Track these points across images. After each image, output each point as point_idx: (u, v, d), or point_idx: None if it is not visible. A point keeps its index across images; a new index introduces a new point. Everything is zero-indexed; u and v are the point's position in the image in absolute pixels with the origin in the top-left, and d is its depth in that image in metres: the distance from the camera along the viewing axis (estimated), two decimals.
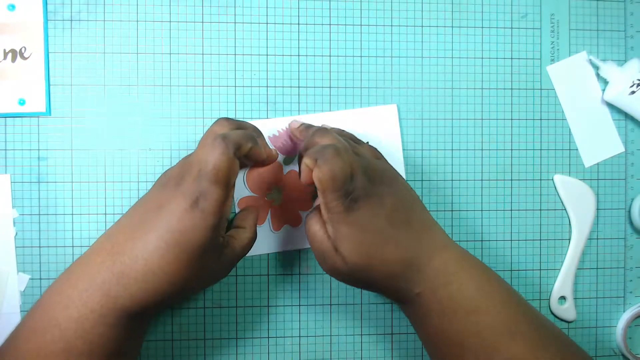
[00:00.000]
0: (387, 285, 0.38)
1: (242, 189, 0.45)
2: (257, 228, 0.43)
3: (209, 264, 0.36)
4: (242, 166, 0.42)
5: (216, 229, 0.35)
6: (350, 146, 0.38)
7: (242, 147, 0.36)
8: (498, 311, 0.36)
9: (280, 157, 0.45)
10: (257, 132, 0.40)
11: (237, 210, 0.44)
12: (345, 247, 0.36)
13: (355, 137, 0.43)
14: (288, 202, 0.45)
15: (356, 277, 0.37)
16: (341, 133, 0.43)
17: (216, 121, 0.39)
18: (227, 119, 0.39)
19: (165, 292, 0.35)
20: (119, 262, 0.35)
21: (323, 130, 0.38)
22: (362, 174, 0.36)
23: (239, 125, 0.39)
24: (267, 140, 0.45)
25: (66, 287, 0.35)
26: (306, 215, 0.39)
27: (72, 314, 0.34)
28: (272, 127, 0.45)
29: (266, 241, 0.45)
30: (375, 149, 0.43)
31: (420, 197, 0.46)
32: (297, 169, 0.45)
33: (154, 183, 0.39)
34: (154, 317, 0.40)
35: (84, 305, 0.34)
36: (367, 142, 0.44)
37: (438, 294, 0.37)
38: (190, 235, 0.34)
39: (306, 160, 0.35)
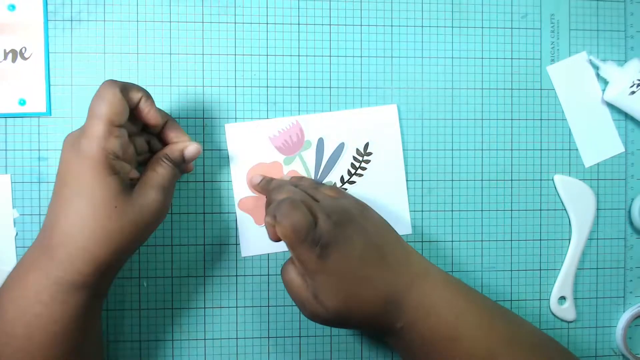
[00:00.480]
0: (370, 324, 0.38)
1: (243, 190, 0.45)
2: (258, 228, 0.43)
3: (119, 209, 0.34)
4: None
5: (107, 166, 0.34)
6: (309, 193, 0.39)
7: (130, 91, 0.35)
8: (479, 337, 0.37)
9: (281, 158, 0.45)
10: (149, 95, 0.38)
11: (237, 209, 0.45)
12: (324, 295, 0.36)
13: (313, 182, 0.43)
14: None
15: (338, 321, 0.37)
16: (297, 182, 0.42)
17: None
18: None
19: (93, 252, 0.33)
20: (43, 236, 0.35)
21: (277, 186, 0.39)
22: (324, 219, 0.36)
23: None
24: (267, 140, 0.45)
25: (12, 272, 0.35)
26: (282, 267, 0.39)
27: (12, 294, 0.34)
28: (272, 127, 0.45)
29: (268, 242, 0.45)
30: (336, 188, 0.43)
31: (420, 197, 0.46)
32: (298, 169, 0.45)
33: None
34: (101, 297, 0.37)
35: (21, 285, 0.34)
36: (325, 183, 0.44)
37: (418, 327, 0.37)
38: (81, 182, 0.33)
39: (267, 219, 0.36)
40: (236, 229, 0.45)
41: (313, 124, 0.45)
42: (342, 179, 0.45)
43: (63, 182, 0.34)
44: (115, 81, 0.35)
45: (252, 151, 0.45)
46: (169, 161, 0.38)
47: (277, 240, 0.37)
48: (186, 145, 0.39)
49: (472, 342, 0.37)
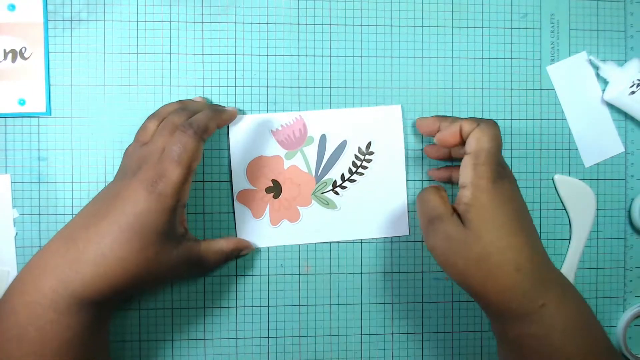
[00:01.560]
0: (509, 285, 0.34)
1: (241, 182, 0.45)
2: (256, 222, 0.43)
3: (163, 253, 0.36)
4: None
5: (172, 213, 0.36)
6: None
7: (208, 129, 0.37)
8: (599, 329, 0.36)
9: (282, 152, 0.45)
10: (212, 106, 0.41)
11: (236, 201, 0.45)
12: (478, 217, 0.35)
13: None
14: (287, 197, 0.45)
15: (476, 257, 0.34)
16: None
17: (168, 109, 0.40)
18: (179, 102, 0.41)
19: (118, 278, 0.34)
20: (73, 248, 0.34)
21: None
22: (502, 160, 0.38)
23: (193, 107, 0.40)
24: (269, 133, 0.45)
25: (24, 274, 0.35)
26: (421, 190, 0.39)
27: (26, 299, 0.34)
28: (275, 122, 0.45)
29: (264, 236, 0.45)
30: None
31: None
32: (298, 164, 0.45)
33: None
34: (111, 311, 0.38)
35: (37, 290, 0.34)
36: None
37: (563, 308, 0.34)
38: (144, 218, 0.34)
39: (466, 123, 0.37)
40: (234, 221, 0.45)
41: (316, 120, 0.45)
42: (342, 176, 0.45)
43: (117, 206, 0.35)
44: (195, 125, 0.36)
45: (253, 144, 0.45)
46: (225, 256, 0.42)
47: (457, 143, 0.38)
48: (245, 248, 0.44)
49: (599, 334, 0.35)
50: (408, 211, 0.46)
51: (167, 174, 0.35)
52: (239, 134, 0.45)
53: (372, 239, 0.46)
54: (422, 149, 0.46)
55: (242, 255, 0.44)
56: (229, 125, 0.44)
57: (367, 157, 0.46)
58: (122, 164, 0.39)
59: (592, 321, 0.36)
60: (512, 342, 0.36)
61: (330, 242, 0.46)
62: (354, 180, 0.45)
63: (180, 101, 0.42)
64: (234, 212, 0.45)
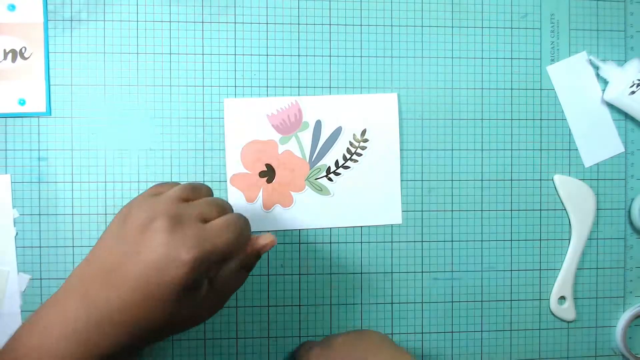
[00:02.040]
0: None
1: (235, 165, 0.45)
2: (248, 205, 0.44)
3: (188, 306, 0.33)
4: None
5: (198, 274, 0.32)
6: None
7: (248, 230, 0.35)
8: None
9: (277, 137, 0.45)
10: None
11: (229, 184, 0.44)
12: None
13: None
14: (281, 182, 0.45)
15: None
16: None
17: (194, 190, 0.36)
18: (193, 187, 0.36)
19: (144, 334, 0.33)
20: (95, 310, 0.32)
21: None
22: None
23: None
24: (265, 117, 0.45)
25: (40, 333, 0.32)
26: None
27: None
28: (271, 106, 0.45)
29: (257, 220, 0.45)
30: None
31: (420, 197, 0.46)
32: (293, 149, 0.45)
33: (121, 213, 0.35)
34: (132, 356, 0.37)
35: (58, 355, 0.31)
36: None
37: None
38: (169, 280, 0.31)
39: None
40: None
41: (312, 106, 0.45)
42: (337, 163, 0.45)
43: (137, 264, 0.31)
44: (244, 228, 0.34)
45: (248, 128, 0.45)
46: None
47: None
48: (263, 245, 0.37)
49: None
50: (401, 199, 0.46)
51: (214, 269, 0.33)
52: (234, 117, 0.44)
53: (372, 238, 0.46)
54: (421, 149, 0.46)
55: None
56: (225, 108, 0.44)
57: (362, 144, 0.46)
58: (143, 212, 0.34)
59: None
60: None
61: (323, 228, 0.46)
62: (348, 167, 0.45)
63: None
64: (227, 196, 0.45)
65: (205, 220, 0.33)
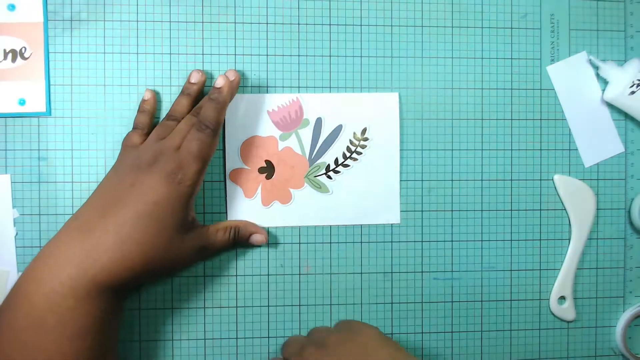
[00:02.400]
0: None
1: (234, 160, 0.45)
2: (248, 201, 0.44)
3: (177, 238, 0.38)
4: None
5: (188, 202, 0.39)
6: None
7: (219, 123, 0.40)
8: None
9: (277, 133, 0.45)
10: (215, 95, 0.41)
11: (228, 179, 0.44)
12: None
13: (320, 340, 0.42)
14: (280, 178, 0.45)
15: None
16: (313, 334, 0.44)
17: (180, 108, 0.42)
18: (187, 97, 0.43)
19: (136, 263, 0.36)
20: (90, 237, 0.36)
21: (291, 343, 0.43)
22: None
23: (203, 106, 0.42)
24: (265, 114, 0.45)
25: (38, 264, 0.36)
26: None
27: (42, 288, 0.34)
28: (272, 102, 0.45)
29: (255, 216, 0.45)
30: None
31: (420, 197, 0.46)
32: (293, 146, 0.45)
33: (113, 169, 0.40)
34: (124, 299, 0.39)
35: (54, 279, 0.35)
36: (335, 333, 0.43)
37: None
38: (163, 206, 0.37)
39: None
40: (225, 200, 0.45)
41: (313, 103, 0.45)
42: (336, 161, 0.45)
43: (135, 195, 0.37)
44: (213, 128, 0.39)
45: (249, 123, 0.45)
46: (233, 237, 0.43)
47: None
48: (256, 233, 0.44)
49: None
50: (400, 200, 0.46)
51: (187, 167, 0.38)
52: (234, 112, 0.45)
53: (371, 238, 0.46)
54: (421, 149, 0.46)
55: (252, 244, 0.44)
56: None
57: (362, 142, 0.46)
58: (130, 156, 0.40)
59: None
60: None
61: (323, 226, 0.46)
62: (347, 165, 0.45)
63: (186, 95, 0.43)
64: (225, 191, 0.45)
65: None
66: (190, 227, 0.40)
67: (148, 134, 0.42)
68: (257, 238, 0.43)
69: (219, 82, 0.41)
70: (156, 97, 0.44)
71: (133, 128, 0.43)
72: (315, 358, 0.39)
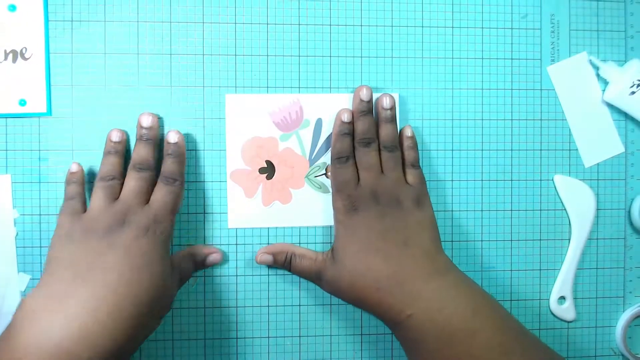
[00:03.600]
0: (377, 301, 0.39)
1: (236, 161, 0.45)
2: (248, 201, 0.44)
3: (167, 280, 0.40)
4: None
5: (168, 246, 0.40)
6: (383, 164, 0.43)
7: (183, 176, 0.42)
8: (493, 333, 0.38)
9: (277, 134, 0.45)
10: (168, 148, 0.43)
11: (229, 180, 0.45)
12: (338, 246, 0.41)
13: (398, 160, 0.43)
14: (280, 179, 0.45)
15: (347, 282, 0.40)
16: (391, 147, 0.43)
17: (106, 169, 0.41)
18: (115, 155, 0.42)
19: (131, 319, 0.37)
20: (63, 309, 0.35)
21: (366, 144, 0.43)
22: (367, 189, 0.41)
23: (139, 155, 0.42)
24: (266, 114, 0.45)
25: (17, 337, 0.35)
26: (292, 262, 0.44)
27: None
28: (273, 103, 0.45)
29: (256, 216, 0.45)
30: (420, 176, 0.44)
31: None
32: (293, 147, 0.45)
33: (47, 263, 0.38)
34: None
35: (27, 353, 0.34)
36: (414, 166, 0.44)
37: (433, 318, 0.38)
38: (151, 254, 0.38)
39: (332, 161, 0.44)
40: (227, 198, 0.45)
41: (313, 104, 0.45)
42: None
43: (120, 254, 0.37)
44: (181, 181, 0.42)
45: (249, 124, 0.45)
46: (193, 263, 0.44)
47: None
48: (211, 254, 0.44)
49: (488, 336, 0.37)
50: None
51: (163, 220, 0.40)
52: (235, 113, 0.45)
53: None
54: (421, 149, 0.46)
55: (209, 264, 0.44)
56: (226, 104, 0.44)
57: None
58: (82, 223, 0.39)
59: (485, 330, 0.38)
60: (402, 344, 0.41)
61: (323, 226, 0.46)
62: None
63: (114, 154, 0.42)
64: (226, 191, 0.45)
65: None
66: (170, 265, 0.40)
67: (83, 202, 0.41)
68: (212, 258, 0.44)
69: (172, 137, 0.42)
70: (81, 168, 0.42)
71: (69, 199, 0.40)
72: (363, 203, 0.41)
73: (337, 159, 0.43)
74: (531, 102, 0.47)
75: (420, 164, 0.46)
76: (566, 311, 0.47)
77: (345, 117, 0.43)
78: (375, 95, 0.44)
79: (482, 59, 0.47)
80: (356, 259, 0.40)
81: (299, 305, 0.46)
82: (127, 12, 0.44)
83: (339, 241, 0.41)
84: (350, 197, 0.42)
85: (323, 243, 0.46)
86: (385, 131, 0.43)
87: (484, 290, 0.41)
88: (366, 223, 0.41)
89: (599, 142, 0.47)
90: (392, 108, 0.44)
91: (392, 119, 0.44)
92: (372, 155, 0.43)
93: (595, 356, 0.48)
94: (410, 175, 0.43)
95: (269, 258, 0.44)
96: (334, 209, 0.43)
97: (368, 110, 0.43)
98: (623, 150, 0.48)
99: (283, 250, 0.44)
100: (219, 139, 0.45)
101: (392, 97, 0.44)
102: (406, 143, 0.44)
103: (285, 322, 0.46)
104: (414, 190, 0.43)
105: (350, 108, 0.44)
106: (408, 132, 0.44)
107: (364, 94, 0.43)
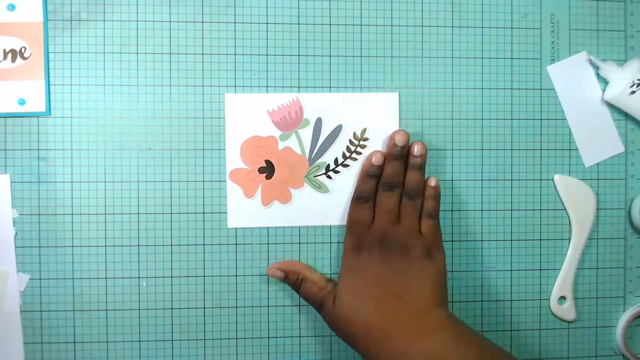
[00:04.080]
0: (366, 349, 0.40)
1: (235, 160, 0.45)
2: (248, 201, 0.44)
3: None
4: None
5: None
6: (402, 212, 0.42)
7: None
8: None
9: (277, 133, 0.45)
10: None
11: (228, 180, 0.44)
12: (340, 284, 0.42)
13: (436, 210, 0.43)
14: (280, 178, 0.45)
15: (342, 321, 0.41)
16: (411, 194, 0.43)
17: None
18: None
19: None
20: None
21: (388, 183, 0.43)
22: (380, 234, 0.42)
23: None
24: (265, 114, 0.45)
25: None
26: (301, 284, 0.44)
27: None
28: (272, 102, 0.45)
29: (255, 215, 0.45)
30: (436, 226, 0.43)
31: None
32: (293, 146, 0.45)
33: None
34: None
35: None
36: (436, 220, 0.43)
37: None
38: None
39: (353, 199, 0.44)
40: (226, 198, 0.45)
41: (313, 103, 0.45)
42: (336, 161, 0.45)
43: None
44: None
45: (249, 123, 0.45)
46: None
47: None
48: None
49: None
50: None
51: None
52: (234, 112, 0.45)
53: None
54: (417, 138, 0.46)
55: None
56: (225, 103, 0.44)
57: (362, 142, 0.46)
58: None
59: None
60: None
61: (323, 226, 0.46)
62: (347, 165, 0.45)
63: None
64: (226, 191, 0.45)
65: None
66: None
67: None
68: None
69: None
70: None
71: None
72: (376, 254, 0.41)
73: (357, 198, 0.43)
74: (531, 102, 0.47)
75: None
76: (566, 311, 0.47)
77: (377, 160, 0.43)
78: (376, 95, 0.44)
79: (482, 58, 0.47)
80: (353, 302, 0.41)
81: (299, 306, 0.46)
82: (126, 12, 0.44)
83: (340, 280, 0.42)
84: (359, 237, 0.42)
85: (322, 243, 0.46)
86: (411, 178, 0.43)
87: (489, 345, 0.40)
88: (367, 266, 0.41)
89: (599, 142, 0.47)
90: (422, 156, 0.43)
91: (421, 167, 0.43)
92: (393, 200, 0.42)
93: (595, 356, 0.48)
94: (425, 225, 0.43)
95: (280, 275, 0.44)
96: (343, 245, 0.43)
97: (400, 155, 0.43)
98: (623, 149, 0.48)
99: (296, 271, 0.44)
100: (219, 139, 0.45)
101: (423, 145, 0.43)
102: (428, 192, 0.43)
103: (285, 322, 0.45)
104: (425, 240, 0.42)
105: (348, 107, 0.44)
106: (432, 182, 0.43)
107: (400, 139, 0.42)
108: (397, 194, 0.42)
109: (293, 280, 0.44)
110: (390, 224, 0.42)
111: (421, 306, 0.40)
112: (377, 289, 0.41)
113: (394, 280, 0.41)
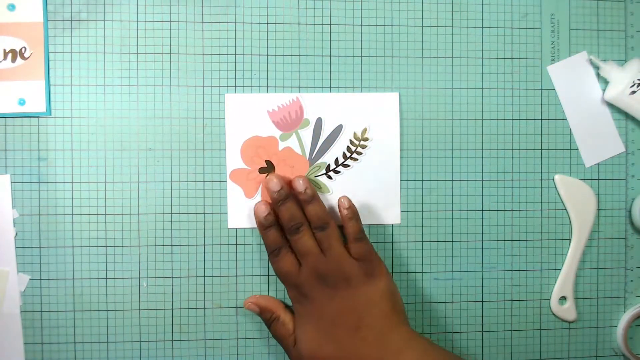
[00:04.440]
0: None
1: (235, 161, 0.45)
2: (247, 201, 0.44)
3: None
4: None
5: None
6: (323, 244, 0.41)
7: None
8: None
9: (277, 133, 0.45)
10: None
11: (228, 180, 0.44)
12: (297, 331, 0.42)
13: (338, 233, 0.42)
14: None
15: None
16: (322, 226, 0.42)
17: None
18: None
19: None
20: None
21: (296, 227, 0.42)
22: (309, 272, 0.41)
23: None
24: (265, 114, 0.45)
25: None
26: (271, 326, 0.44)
27: None
28: (272, 102, 0.45)
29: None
30: (366, 243, 0.42)
31: (421, 197, 0.46)
32: (293, 146, 0.45)
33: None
34: None
35: None
36: (358, 237, 0.42)
37: None
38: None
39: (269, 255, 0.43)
40: (227, 198, 0.45)
41: (313, 103, 0.45)
42: (336, 161, 0.45)
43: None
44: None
45: (249, 123, 0.45)
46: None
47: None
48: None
49: None
50: (400, 200, 0.46)
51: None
52: (235, 112, 0.45)
53: (372, 238, 0.46)
54: (421, 149, 0.46)
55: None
56: (226, 103, 0.44)
57: (362, 143, 0.46)
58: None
59: None
60: None
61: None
62: (347, 166, 0.45)
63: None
64: (226, 191, 0.45)
65: None
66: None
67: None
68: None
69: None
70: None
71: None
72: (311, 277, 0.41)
73: (270, 252, 0.42)
74: (531, 102, 0.47)
75: (420, 164, 0.46)
76: (567, 311, 0.47)
77: (262, 212, 0.42)
78: (376, 95, 0.44)
79: (482, 58, 0.47)
80: (311, 345, 0.41)
81: None
82: (126, 12, 0.44)
83: (297, 328, 0.42)
84: (297, 286, 0.42)
85: None
86: (310, 212, 0.42)
87: (456, 358, 0.40)
88: (317, 309, 0.41)
89: (599, 142, 0.47)
90: (308, 188, 0.42)
91: (312, 198, 0.42)
92: (306, 240, 0.41)
93: (596, 356, 0.48)
94: (355, 248, 0.42)
95: (256, 310, 0.44)
96: (289, 297, 0.43)
97: (284, 197, 0.42)
98: (623, 149, 0.48)
99: (270, 310, 0.43)
100: (219, 139, 0.45)
101: (304, 179, 0.42)
102: (344, 215, 0.42)
103: None
104: (360, 264, 0.41)
105: (348, 107, 0.44)
106: (345, 204, 0.42)
107: (273, 185, 0.42)
108: (305, 231, 0.42)
109: (267, 317, 0.43)
110: (318, 261, 0.41)
111: (381, 331, 0.40)
112: (333, 328, 0.40)
113: (347, 314, 0.40)
